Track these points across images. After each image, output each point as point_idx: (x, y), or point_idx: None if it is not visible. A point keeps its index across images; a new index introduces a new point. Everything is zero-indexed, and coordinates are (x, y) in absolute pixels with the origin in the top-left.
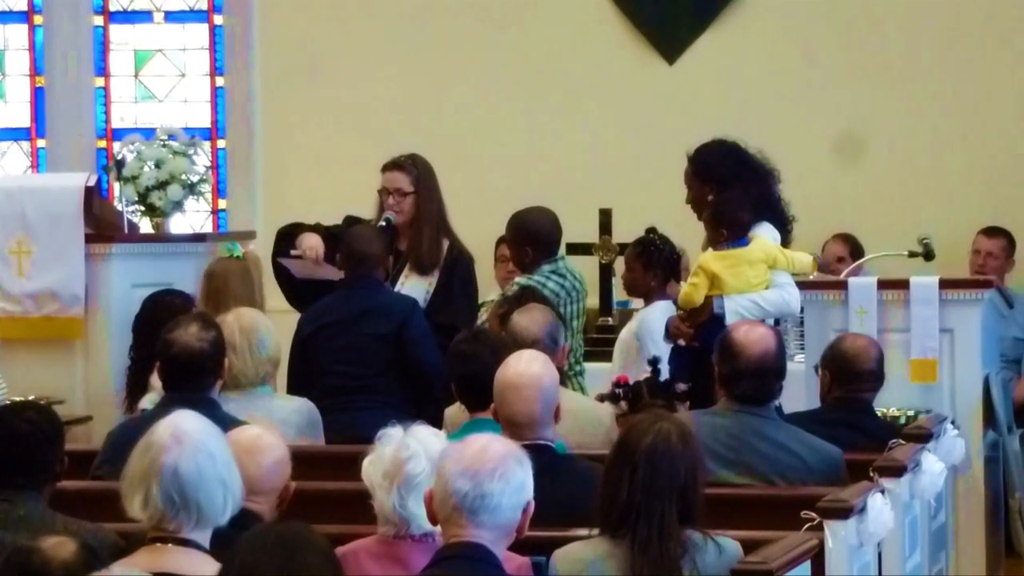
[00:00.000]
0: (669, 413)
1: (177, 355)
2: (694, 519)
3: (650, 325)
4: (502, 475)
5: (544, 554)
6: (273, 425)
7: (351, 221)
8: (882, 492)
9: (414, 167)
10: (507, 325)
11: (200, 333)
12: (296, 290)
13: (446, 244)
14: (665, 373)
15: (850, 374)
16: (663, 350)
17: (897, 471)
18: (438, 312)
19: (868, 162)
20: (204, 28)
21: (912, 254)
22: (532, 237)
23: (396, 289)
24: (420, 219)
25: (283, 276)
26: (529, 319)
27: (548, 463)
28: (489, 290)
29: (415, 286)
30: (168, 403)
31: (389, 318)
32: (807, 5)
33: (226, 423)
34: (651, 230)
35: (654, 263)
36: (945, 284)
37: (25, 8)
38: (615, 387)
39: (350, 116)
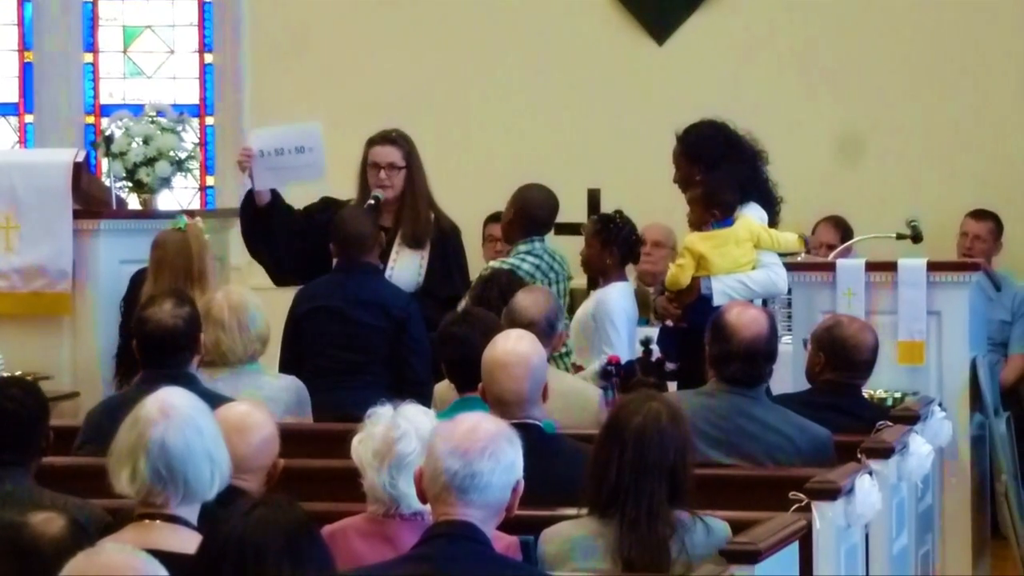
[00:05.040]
0: (659, 393)
1: (152, 332)
2: (683, 499)
3: (607, 306)
4: (492, 454)
5: (532, 533)
6: (261, 402)
7: (328, 202)
8: (870, 474)
9: (404, 141)
10: (509, 302)
11: (174, 310)
12: (278, 263)
13: (432, 217)
14: (655, 353)
15: (848, 362)
16: (620, 331)
17: (885, 453)
18: (439, 287)
19: (858, 144)
20: (193, 4)
21: (900, 236)
22: (520, 205)
23: (389, 264)
24: (413, 193)
25: (262, 252)
26: (531, 300)
27: (536, 442)
28: (478, 269)
29: (408, 261)
30: (146, 380)
31: (388, 314)
32: None
33: (207, 398)
34: (618, 212)
35: (612, 241)
36: (933, 266)
37: None
38: (607, 366)
39: (338, 93)
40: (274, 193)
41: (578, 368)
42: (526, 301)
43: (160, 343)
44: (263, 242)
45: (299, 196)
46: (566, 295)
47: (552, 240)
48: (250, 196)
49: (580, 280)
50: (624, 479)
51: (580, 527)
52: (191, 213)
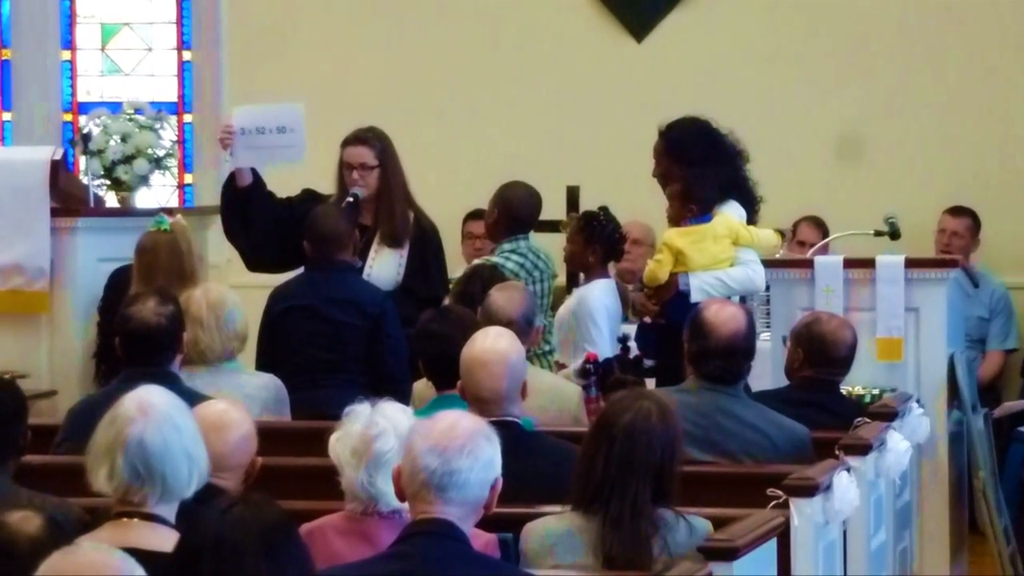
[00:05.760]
0: (651, 391)
1: (135, 330)
2: (668, 498)
3: (588, 304)
4: (471, 452)
5: (510, 531)
6: (239, 401)
7: (309, 194)
8: (848, 470)
9: (377, 140)
10: (484, 301)
11: (158, 308)
12: (253, 248)
13: (411, 216)
14: (633, 350)
15: (825, 358)
16: (602, 329)
17: (863, 449)
18: (419, 286)
19: (835, 141)
20: (172, 1)
21: (878, 233)
22: (503, 204)
23: (368, 263)
24: (388, 192)
25: (239, 235)
26: (507, 298)
27: (515, 440)
28: (457, 267)
29: (387, 259)
30: (128, 378)
31: (363, 311)
32: None
33: (188, 397)
34: (603, 208)
35: (595, 239)
36: (911, 263)
37: None
38: (585, 364)
39: (317, 91)
40: (256, 176)
41: (561, 366)
42: (501, 300)
43: (143, 341)
44: (240, 224)
45: (279, 186)
46: (550, 293)
47: (531, 237)
48: (232, 176)
49: (561, 278)
50: (610, 475)
51: (563, 522)
52: (169, 211)
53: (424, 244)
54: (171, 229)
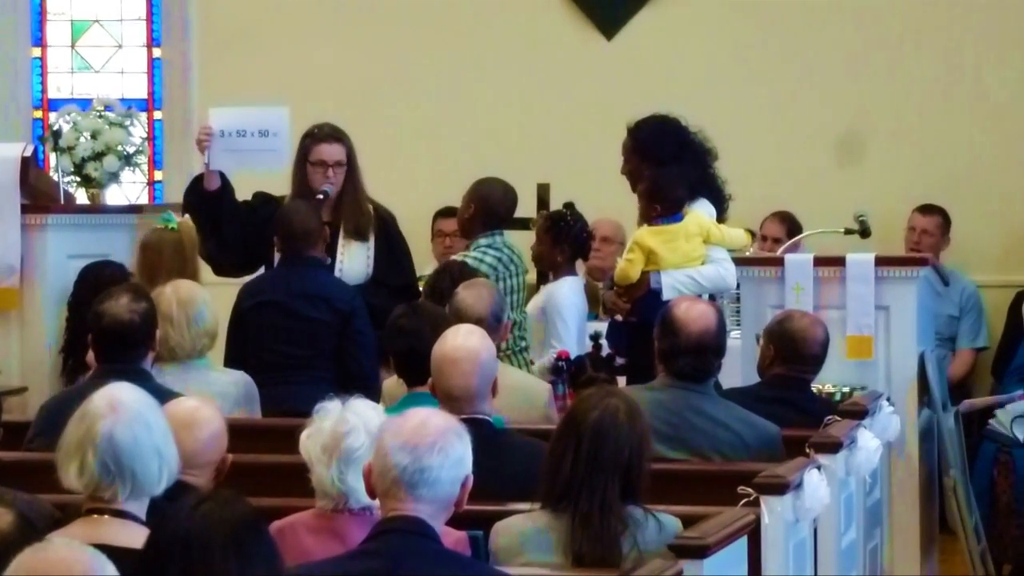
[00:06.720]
0: (619, 389)
1: (108, 326)
2: (637, 496)
3: (557, 301)
4: (441, 449)
5: (481, 528)
6: (210, 398)
7: (264, 197)
8: (818, 468)
9: (345, 137)
10: (452, 299)
11: (131, 304)
12: (222, 250)
13: (371, 208)
14: (605, 348)
15: (796, 355)
16: (570, 325)
17: (833, 447)
18: (389, 275)
19: (805, 138)
20: None
21: (848, 231)
22: (480, 200)
23: (338, 257)
24: (354, 188)
25: (207, 239)
26: (475, 296)
27: (485, 437)
28: (427, 265)
29: (356, 253)
30: (100, 375)
31: (333, 307)
32: None
33: (160, 394)
34: (568, 205)
35: (563, 238)
36: (881, 261)
37: None
38: (557, 361)
39: (286, 88)
40: (224, 180)
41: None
42: (470, 299)
43: (116, 338)
44: (209, 228)
45: (244, 183)
46: (524, 288)
47: (504, 233)
48: (197, 180)
49: (531, 275)
50: (578, 473)
51: (532, 521)
52: (137, 208)
53: (387, 233)
54: (178, 228)
